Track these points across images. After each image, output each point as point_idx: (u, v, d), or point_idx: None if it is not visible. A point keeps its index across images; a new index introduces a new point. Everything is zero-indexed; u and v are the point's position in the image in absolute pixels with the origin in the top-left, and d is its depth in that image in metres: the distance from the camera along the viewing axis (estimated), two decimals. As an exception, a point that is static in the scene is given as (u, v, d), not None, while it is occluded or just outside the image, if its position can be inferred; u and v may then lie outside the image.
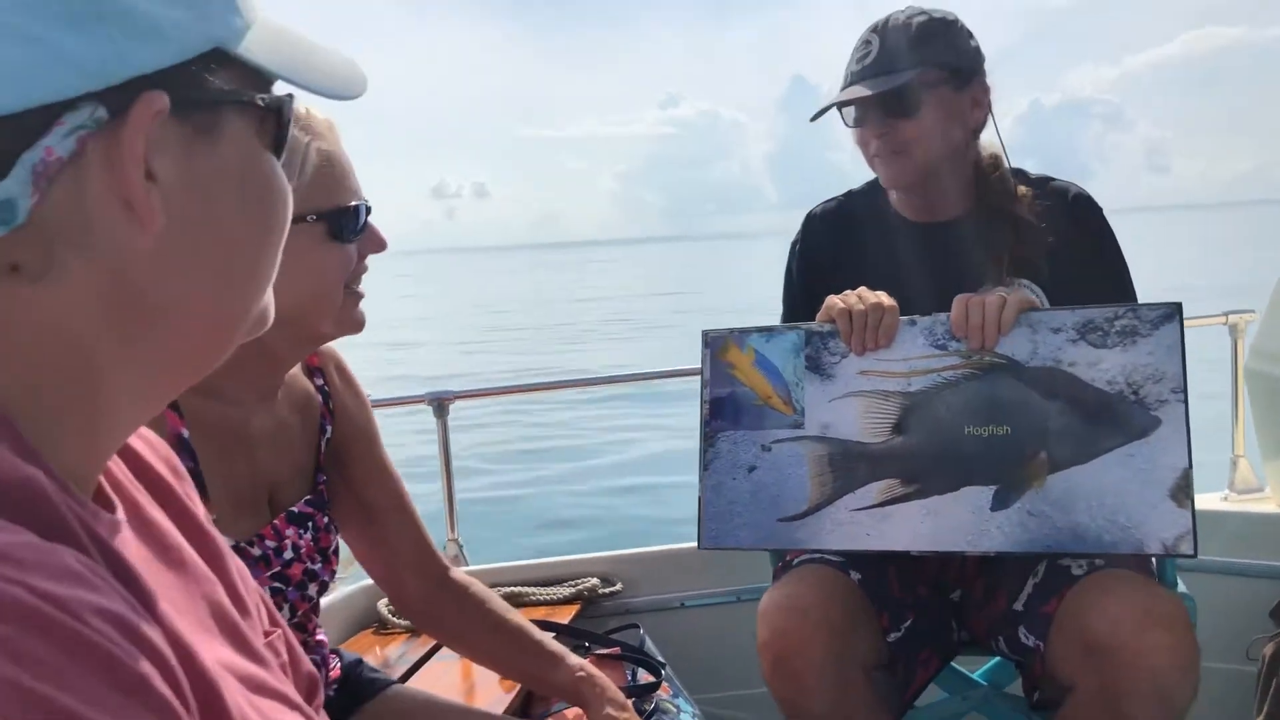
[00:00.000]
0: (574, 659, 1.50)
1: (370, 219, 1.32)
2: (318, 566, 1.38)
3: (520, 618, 1.54)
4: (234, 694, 0.58)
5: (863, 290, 1.77)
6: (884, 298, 1.74)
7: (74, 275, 0.53)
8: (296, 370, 1.42)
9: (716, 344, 1.84)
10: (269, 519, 1.34)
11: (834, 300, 1.78)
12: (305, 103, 1.30)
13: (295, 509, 1.37)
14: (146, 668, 0.45)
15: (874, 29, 1.86)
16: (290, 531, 1.35)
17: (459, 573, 1.56)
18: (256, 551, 1.30)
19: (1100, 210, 1.92)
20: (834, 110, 1.91)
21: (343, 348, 1.48)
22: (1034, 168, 1.98)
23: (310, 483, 1.42)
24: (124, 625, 0.45)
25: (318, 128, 1.28)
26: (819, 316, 1.79)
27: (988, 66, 1.91)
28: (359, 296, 1.32)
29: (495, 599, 1.55)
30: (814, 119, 1.94)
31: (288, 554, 1.34)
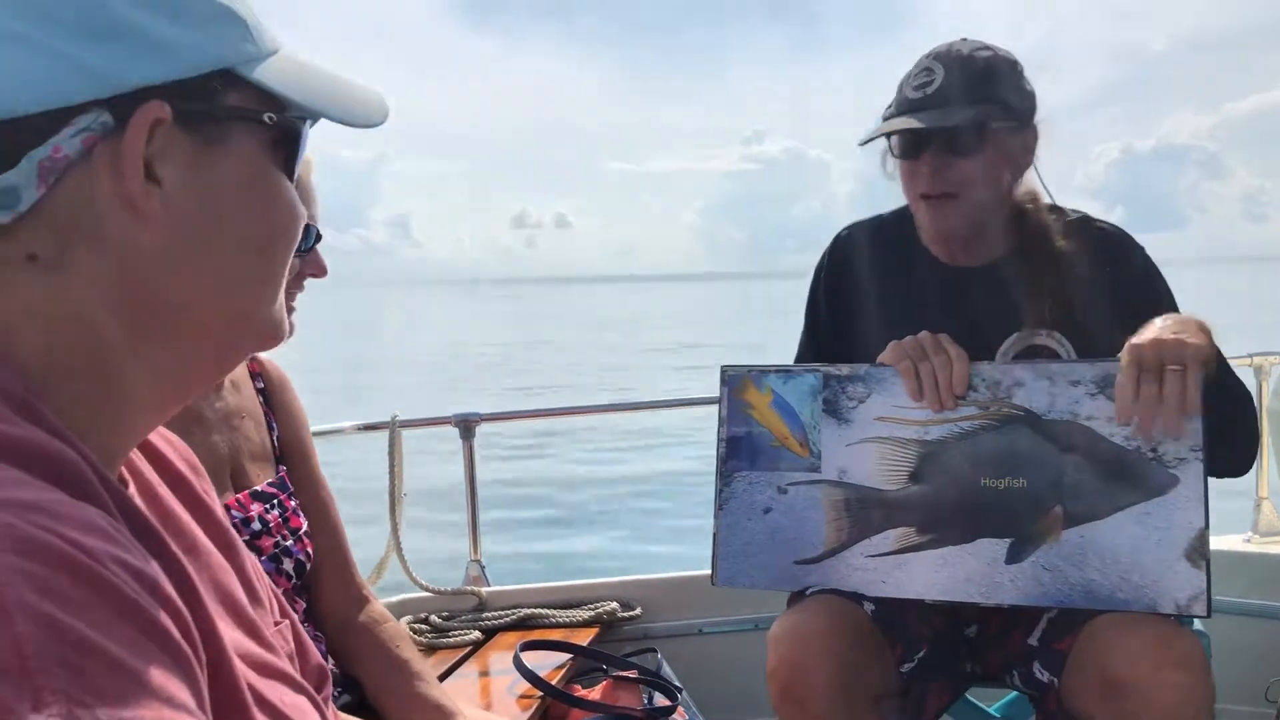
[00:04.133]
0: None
1: (318, 247, 1.47)
2: (290, 543, 1.48)
3: (421, 668, 1.54)
4: (242, 668, 0.62)
5: (924, 337, 1.71)
6: (950, 347, 1.70)
7: (86, 267, 0.58)
8: (240, 371, 1.54)
9: (734, 382, 1.84)
10: (233, 494, 1.45)
11: (899, 352, 1.72)
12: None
13: (259, 488, 1.49)
14: (164, 617, 0.49)
15: (935, 56, 1.78)
16: (256, 507, 1.46)
17: (377, 607, 1.60)
18: None
19: (1143, 251, 1.86)
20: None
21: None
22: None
23: (273, 470, 1.54)
24: (144, 578, 0.49)
25: None
26: (882, 358, 1.74)
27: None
28: (289, 309, 1.42)
29: (400, 643, 1.56)
30: (864, 144, 1.85)
31: (255, 525, 1.44)
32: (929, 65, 1.78)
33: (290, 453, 1.58)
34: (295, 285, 1.45)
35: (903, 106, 1.79)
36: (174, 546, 0.63)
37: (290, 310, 1.41)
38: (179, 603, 0.51)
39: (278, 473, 1.54)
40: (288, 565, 1.47)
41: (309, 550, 1.51)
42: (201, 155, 0.62)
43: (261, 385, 1.59)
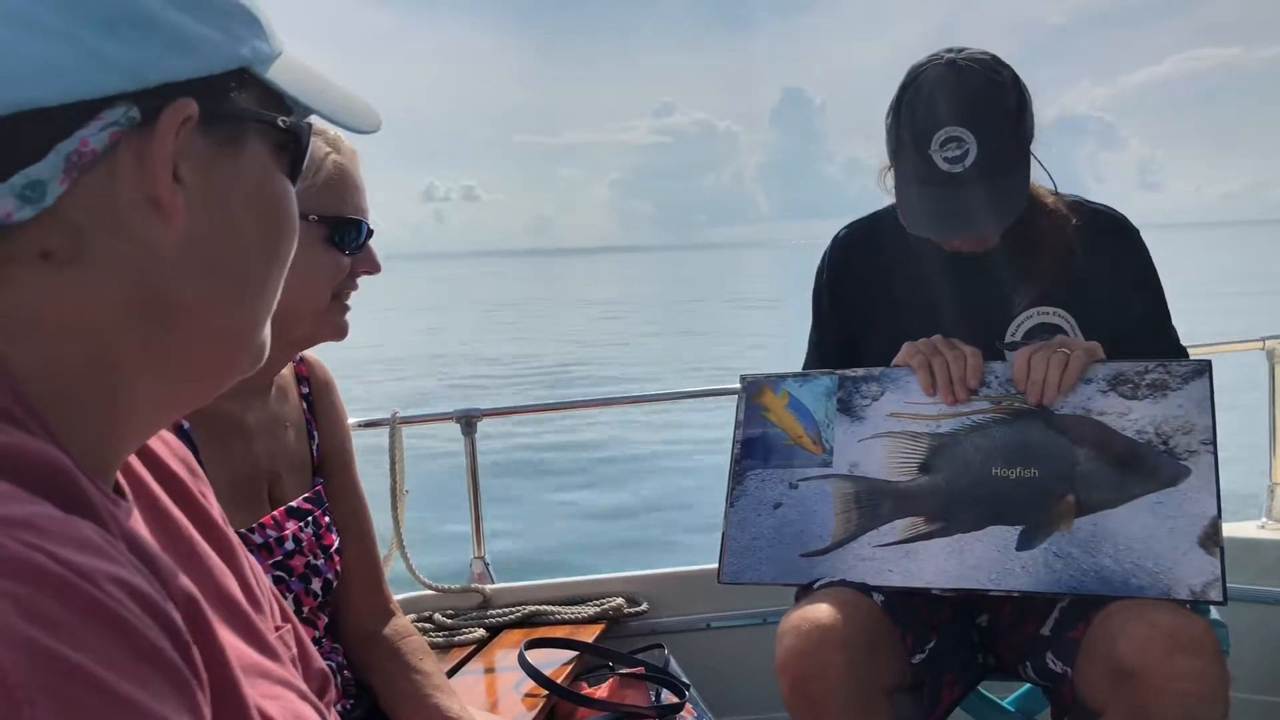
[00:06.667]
0: None
1: (370, 243, 1.41)
2: (320, 562, 1.44)
3: (442, 681, 1.50)
4: (248, 685, 0.60)
5: (937, 339, 1.76)
6: (963, 346, 1.74)
7: (101, 267, 0.56)
8: (288, 374, 1.49)
9: (753, 388, 1.87)
10: (269, 510, 1.40)
11: (912, 351, 1.77)
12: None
13: (294, 504, 1.43)
14: (159, 636, 0.47)
15: (959, 118, 1.66)
16: (291, 525, 1.41)
17: (402, 621, 1.56)
18: (258, 539, 1.36)
19: (1138, 235, 1.89)
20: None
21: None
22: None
23: (309, 482, 1.48)
24: (139, 595, 0.47)
25: (342, 147, 1.38)
26: (896, 360, 1.78)
27: None
28: (345, 308, 1.41)
29: (423, 657, 1.52)
30: (914, 230, 1.79)
31: (289, 545, 1.40)
32: (958, 135, 1.66)
33: (329, 462, 1.53)
34: (349, 284, 1.40)
35: (934, 177, 1.69)
36: (170, 559, 0.61)
37: (345, 310, 1.41)
38: (179, 623, 0.49)
39: (314, 485, 1.49)
40: (316, 584, 1.43)
41: (337, 569, 1.48)
42: (218, 157, 0.60)
43: (307, 390, 1.53)
